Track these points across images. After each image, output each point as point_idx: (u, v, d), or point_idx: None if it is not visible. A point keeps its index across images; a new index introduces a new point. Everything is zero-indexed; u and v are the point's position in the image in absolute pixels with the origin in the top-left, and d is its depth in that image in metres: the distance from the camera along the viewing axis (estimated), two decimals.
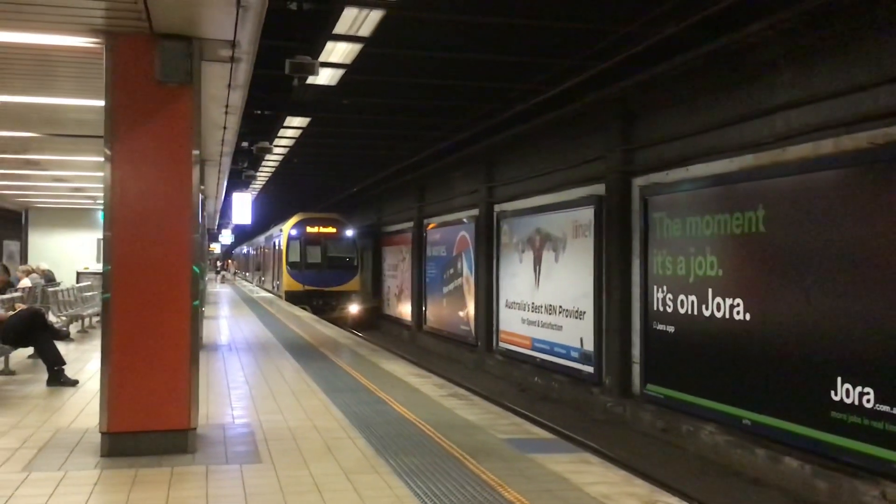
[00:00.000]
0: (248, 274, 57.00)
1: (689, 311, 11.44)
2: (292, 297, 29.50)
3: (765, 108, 10.36)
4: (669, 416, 12.01)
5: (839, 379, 8.78)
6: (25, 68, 7.31)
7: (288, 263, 30.86)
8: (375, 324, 31.35)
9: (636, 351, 13.07)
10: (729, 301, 10.61)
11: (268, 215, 44.49)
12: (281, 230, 32.77)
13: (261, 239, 45.53)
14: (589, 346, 14.57)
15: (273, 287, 35.55)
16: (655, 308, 12.34)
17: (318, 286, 30.07)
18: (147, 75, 5.86)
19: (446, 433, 6.89)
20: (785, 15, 9.50)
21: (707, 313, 11.03)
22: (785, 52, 10.05)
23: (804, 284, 9.38)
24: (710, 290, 10.99)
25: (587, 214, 14.70)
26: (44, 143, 11.36)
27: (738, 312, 10.43)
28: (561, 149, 16.07)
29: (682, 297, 11.64)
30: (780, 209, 9.81)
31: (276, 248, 34.05)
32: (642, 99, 13.20)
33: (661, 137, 12.68)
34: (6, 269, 10.87)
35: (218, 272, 57.11)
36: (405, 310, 28.20)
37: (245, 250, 62.38)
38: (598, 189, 14.41)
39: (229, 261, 63.09)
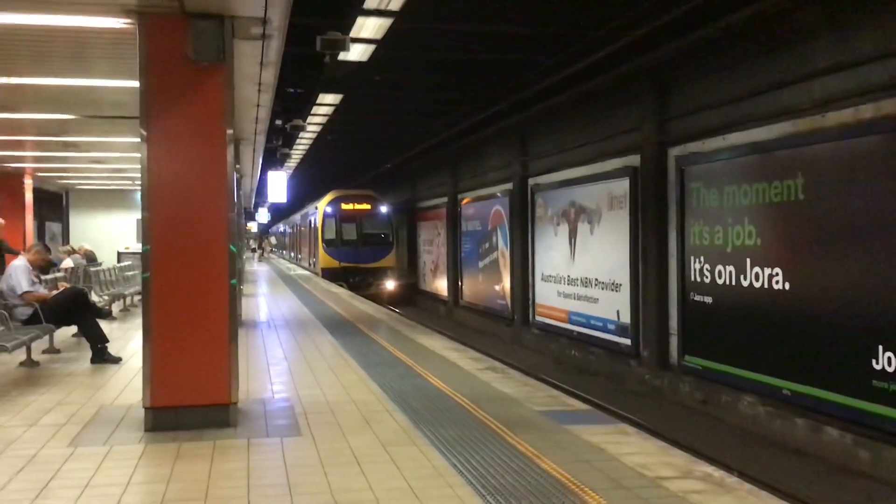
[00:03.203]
0: (284, 252, 57.41)
1: (727, 282, 11.33)
2: (329, 275, 29.68)
3: (803, 73, 10.16)
4: (708, 387, 11.94)
5: (880, 348, 8.66)
6: (61, 50, 7.40)
7: (324, 241, 31.03)
8: (412, 299, 31.47)
9: (673, 322, 12.98)
10: (767, 271, 10.48)
11: (303, 193, 44.68)
12: (316, 208, 32.93)
13: (296, 217, 45.74)
14: (626, 318, 14.51)
15: (309, 264, 35.81)
16: (693, 279, 12.23)
17: (354, 263, 30.21)
18: (180, 55, 5.87)
19: (483, 406, 6.92)
20: None
21: (745, 283, 10.92)
22: (822, 16, 9.83)
23: (844, 253, 9.24)
24: (748, 260, 10.87)
25: (622, 186, 14.58)
26: (82, 124, 11.51)
27: (776, 282, 10.31)
28: (595, 120, 15.92)
29: (719, 267, 11.52)
30: (819, 177, 9.65)
31: (312, 225, 34.23)
32: (677, 67, 13.00)
33: (696, 106, 12.50)
34: (48, 249, 11.07)
35: (254, 251, 57.55)
36: (441, 285, 28.27)
37: (281, 228, 62.82)
38: (633, 160, 14.27)
39: (266, 239, 63.44)
